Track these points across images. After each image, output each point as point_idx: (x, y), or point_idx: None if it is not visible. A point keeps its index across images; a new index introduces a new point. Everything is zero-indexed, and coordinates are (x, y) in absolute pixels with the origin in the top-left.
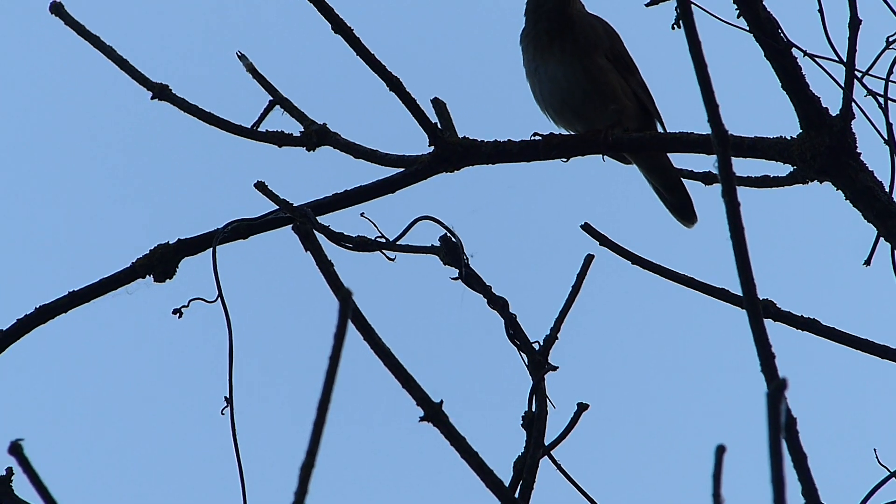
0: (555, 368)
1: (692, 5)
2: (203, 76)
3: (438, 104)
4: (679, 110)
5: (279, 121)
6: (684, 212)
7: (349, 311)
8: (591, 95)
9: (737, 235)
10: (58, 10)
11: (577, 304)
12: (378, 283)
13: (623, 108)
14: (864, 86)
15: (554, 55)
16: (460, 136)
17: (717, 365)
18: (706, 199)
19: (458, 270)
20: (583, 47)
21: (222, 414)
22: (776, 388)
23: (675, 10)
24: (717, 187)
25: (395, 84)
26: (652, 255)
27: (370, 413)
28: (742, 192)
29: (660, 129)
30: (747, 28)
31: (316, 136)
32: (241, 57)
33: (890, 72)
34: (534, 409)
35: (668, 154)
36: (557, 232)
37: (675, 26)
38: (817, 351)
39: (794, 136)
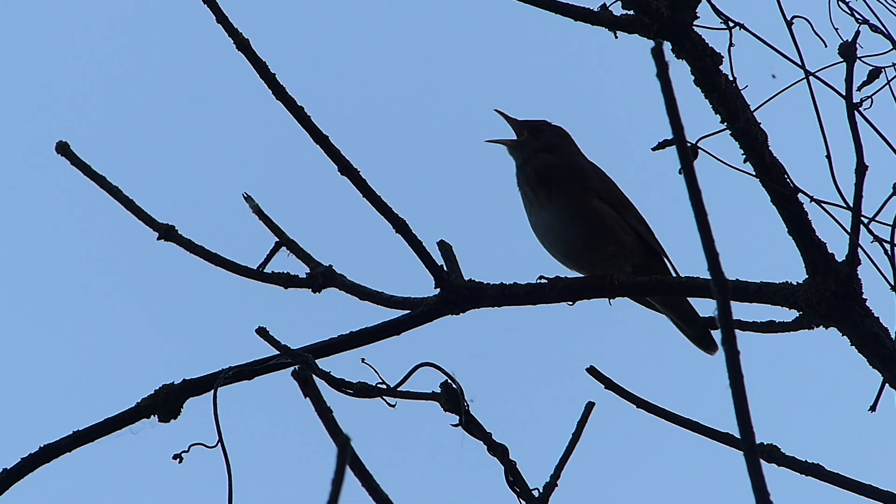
0: None
1: (698, 149)
2: (209, 217)
3: (444, 246)
4: (692, 250)
5: (285, 262)
6: (704, 341)
7: (347, 458)
8: (590, 238)
9: (736, 382)
10: (64, 150)
11: (578, 449)
12: (378, 429)
13: (623, 245)
14: (871, 231)
15: (544, 206)
16: (466, 278)
17: None
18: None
19: (458, 417)
20: (569, 191)
21: None
22: None
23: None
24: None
25: (401, 226)
26: (660, 393)
27: None
28: (748, 337)
29: (669, 265)
30: (753, 172)
31: (322, 277)
32: (248, 198)
33: None
34: None
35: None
36: (562, 375)
37: (681, 172)
38: (822, 496)
39: (800, 282)
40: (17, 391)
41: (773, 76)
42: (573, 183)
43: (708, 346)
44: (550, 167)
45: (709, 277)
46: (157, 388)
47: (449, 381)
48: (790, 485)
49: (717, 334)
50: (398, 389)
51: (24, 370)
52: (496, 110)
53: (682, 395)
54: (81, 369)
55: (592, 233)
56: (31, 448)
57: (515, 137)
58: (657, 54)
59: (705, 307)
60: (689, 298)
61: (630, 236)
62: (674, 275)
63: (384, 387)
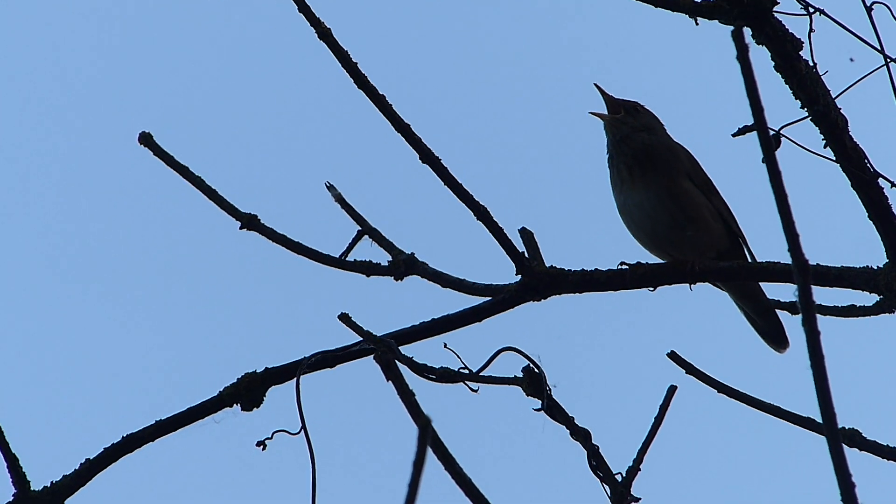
0: (637, 500)
1: (780, 136)
2: (291, 206)
3: (526, 233)
4: (771, 237)
5: (367, 250)
6: (776, 337)
7: (428, 439)
8: (678, 220)
9: (817, 364)
10: (147, 140)
11: (661, 434)
12: (461, 414)
13: (709, 231)
14: None
15: (637, 188)
16: (547, 264)
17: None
18: (797, 327)
19: (540, 402)
20: (664, 172)
21: None
22: None
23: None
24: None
25: (482, 214)
26: (742, 381)
27: None
28: (829, 322)
29: (745, 250)
30: (834, 158)
31: (403, 265)
32: (330, 187)
33: None
34: None
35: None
36: (643, 361)
37: (764, 158)
38: None
39: (881, 266)
40: (101, 381)
41: (852, 59)
42: (668, 164)
43: (778, 342)
44: (648, 146)
45: (789, 263)
46: (240, 376)
47: (531, 365)
48: (871, 469)
49: (797, 319)
50: (480, 374)
51: (109, 359)
52: (595, 84)
53: (762, 383)
54: (166, 359)
55: (681, 215)
56: (113, 438)
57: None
58: (737, 37)
59: (785, 294)
60: (765, 291)
61: (717, 222)
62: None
63: (466, 372)
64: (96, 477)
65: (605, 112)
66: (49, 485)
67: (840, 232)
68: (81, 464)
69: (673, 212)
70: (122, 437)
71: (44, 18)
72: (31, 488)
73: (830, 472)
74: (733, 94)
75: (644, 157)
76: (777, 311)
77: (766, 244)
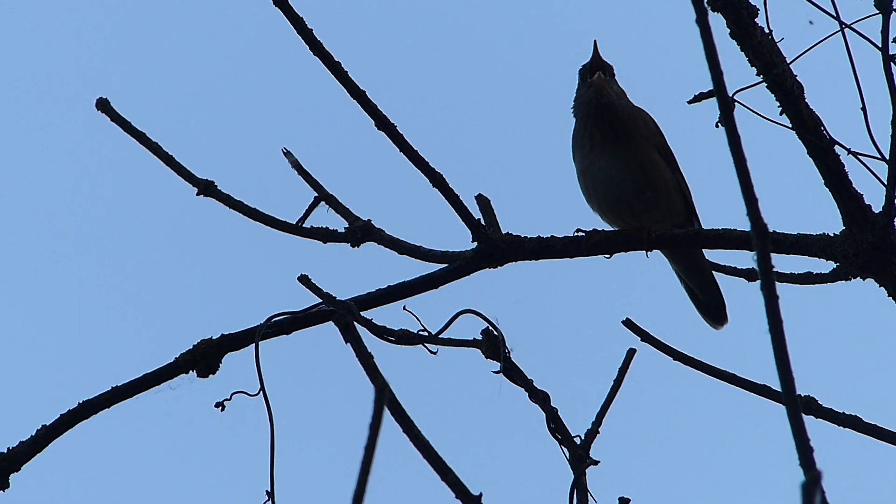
0: (596, 463)
1: (734, 102)
2: (248, 172)
3: (482, 200)
4: (719, 207)
5: (324, 217)
6: (715, 313)
7: (385, 401)
8: (643, 187)
9: (776, 329)
10: (104, 106)
11: (619, 398)
12: (420, 376)
13: (670, 201)
14: None
15: (607, 152)
16: (504, 231)
17: (758, 461)
18: (748, 296)
19: (499, 364)
20: (636, 143)
21: None
22: (812, 479)
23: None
24: (758, 284)
25: (438, 180)
26: (694, 350)
27: None
28: (785, 289)
29: (697, 224)
30: (790, 125)
31: (360, 232)
32: (287, 153)
33: None
34: None
35: (708, 252)
36: (599, 327)
37: (718, 125)
38: (859, 447)
39: (837, 233)
40: (56, 348)
41: (811, 22)
42: (642, 134)
43: (717, 319)
44: (627, 115)
45: (746, 230)
46: (196, 343)
47: (490, 327)
48: (827, 437)
49: (746, 288)
50: (439, 336)
51: (64, 327)
52: (595, 41)
53: (716, 351)
54: (121, 325)
55: (646, 184)
56: (70, 404)
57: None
58: (696, 1)
59: (739, 261)
60: (710, 267)
61: (677, 195)
62: None
63: (426, 334)
64: (53, 443)
65: (590, 69)
66: (5, 451)
67: (796, 199)
68: (38, 430)
69: (640, 181)
70: (79, 403)
71: None
72: None
73: (787, 438)
74: (687, 62)
75: (619, 125)
76: (733, 277)
77: (714, 213)
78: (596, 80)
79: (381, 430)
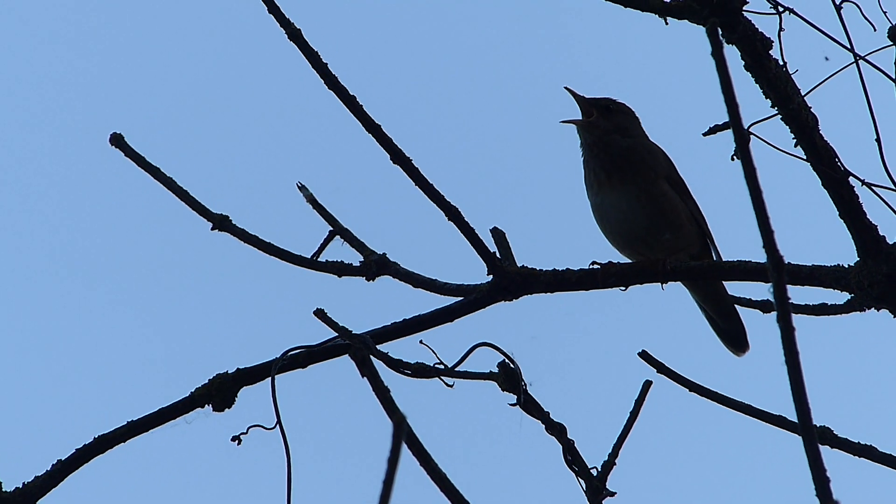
0: (613, 494)
1: (750, 134)
2: (263, 207)
3: (497, 233)
4: (735, 238)
5: (339, 251)
6: (736, 340)
7: (403, 435)
8: (655, 223)
9: (792, 360)
10: (118, 141)
11: (635, 430)
12: (436, 410)
13: (685, 234)
14: None
15: (615, 189)
16: (519, 264)
17: (774, 492)
18: (764, 327)
19: (516, 396)
20: (643, 175)
21: None
22: None
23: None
24: (774, 315)
25: (453, 214)
26: (708, 381)
27: None
28: (800, 320)
29: (713, 252)
30: (804, 157)
31: (375, 265)
32: (301, 188)
33: None
34: None
35: (725, 282)
36: (615, 359)
37: (734, 157)
38: (874, 478)
39: (852, 265)
40: (73, 382)
41: (826, 58)
42: (646, 166)
43: (738, 345)
44: (625, 149)
45: (760, 261)
46: (211, 377)
47: (506, 360)
48: (843, 466)
49: (763, 318)
50: (456, 370)
51: (82, 361)
52: (566, 88)
53: (730, 382)
54: (138, 360)
55: (659, 218)
56: (85, 439)
57: (581, 117)
58: (712, 33)
59: (753, 293)
60: (728, 294)
61: (691, 224)
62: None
63: (442, 367)
64: (68, 478)
65: (579, 114)
66: (21, 486)
67: (811, 231)
68: (53, 465)
69: (651, 214)
70: (94, 438)
71: (13, 17)
72: (3, 489)
73: (803, 468)
74: (701, 94)
75: (620, 160)
76: (748, 309)
77: (730, 244)
78: (578, 122)
79: (398, 464)
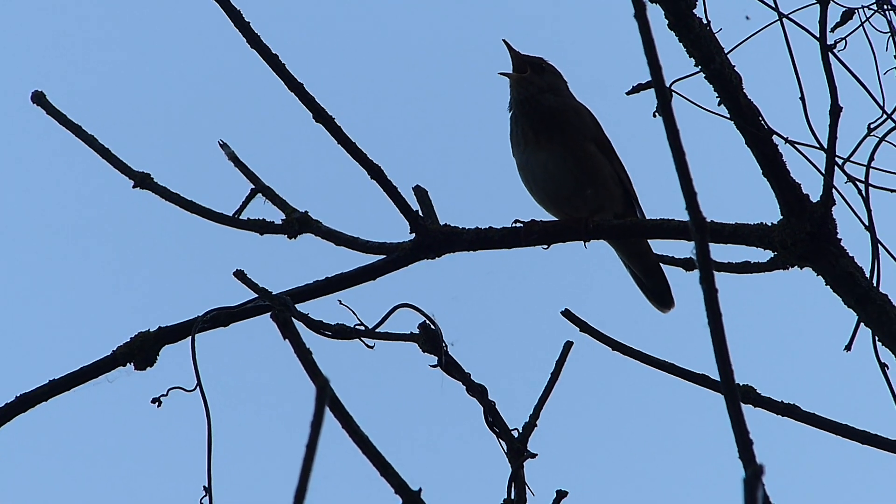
0: (534, 456)
1: (672, 92)
2: (185, 165)
3: (420, 191)
4: (660, 196)
5: (260, 209)
6: (661, 297)
7: (326, 399)
8: (581, 183)
9: (714, 321)
10: (39, 99)
11: (557, 390)
12: (357, 371)
13: (610, 194)
14: (845, 172)
15: (542, 147)
16: (441, 222)
17: (697, 451)
18: (688, 285)
19: (437, 358)
20: (570, 135)
21: (201, 503)
22: (753, 473)
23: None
24: (697, 273)
25: (376, 172)
26: (633, 340)
27: (347, 501)
28: (723, 278)
29: (638, 212)
30: (728, 115)
31: (297, 223)
32: (223, 145)
33: (871, 158)
34: (513, 497)
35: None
36: (537, 318)
37: (655, 114)
38: (797, 436)
39: (775, 223)
40: None
41: (748, 17)
42: (574, 127)
43: (663, 302)
44: (555, 108)
45: (683, 220)
46: (133, 336)
47: (427, 321)
48: (766, 425)
49: (688, 276)
50: (376, 331)
51: (2, 319)
52: (504, 40)
53: (653, 341)
54: (57, 318)
55: (584, 178)
56: (7, 398)
57: (513, 71)
58: None
59: (677, 251)
60: (653, 250)
61: (616, 185)
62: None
63: (362, 328)
64: None
65: (510, 69)
66: None
67: (734, 189)
68: None
69: (577, 175)
70: (16, 396)
71: None
72: None
73: (726, 428)
74: (625, 53)
75: (550, 120)
76: (670, 266)
77: (655, 202)
78: (512, 76)
79: (322, 428)
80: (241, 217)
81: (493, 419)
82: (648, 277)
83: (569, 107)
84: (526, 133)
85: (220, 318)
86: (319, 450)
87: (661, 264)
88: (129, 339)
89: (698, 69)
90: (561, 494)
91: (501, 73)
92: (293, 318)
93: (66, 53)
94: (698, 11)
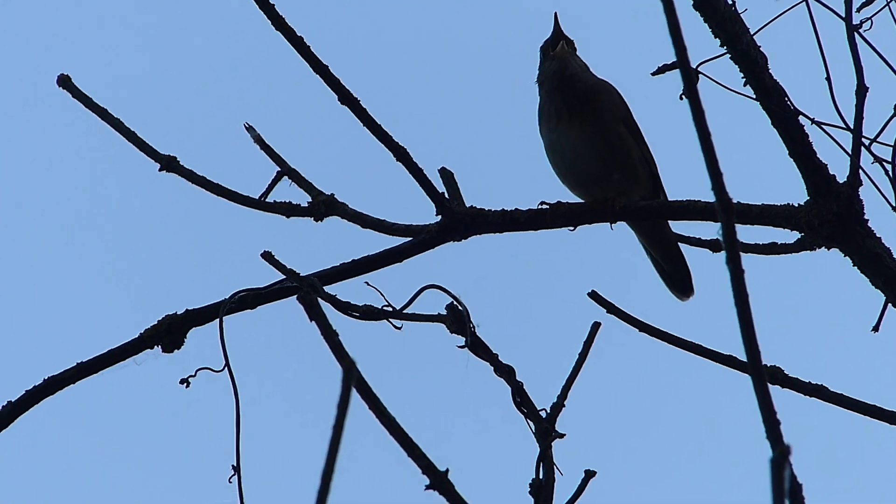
0: (562, 436)
1: (698, 74)
2: (211, 148)
3: (446, 174)
4: (684, 178)
5: (287, 191)
6: (681, 284)
7: (353, 381)
8: (611, 164)
9: (741, 302)
10: (65, 83)
11: (584, 371)
12: (384, 352)
13: (636, 176)
14: (872, 153)
15: (574, 127)
16: (468, 205)
17: (725, 431)
18: (713, 267)
19: (464, 339)
20: (603, 116)
21: (229, 482)
22: (780, 454)
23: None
24: (723, 255)
25: (401, 154)
26: (659, 321)
27: (375, 481)
28: (750, 259)
29: (663, 195)
30: (754, 96)
31: (324, 206)
32: (249, 128)
33: None
34: (541, 477)
35: (673, 222)
36: (564, 299)
37: (682, 96)
38: (825, 417)
39: (802, 204)
40: (21, 324)
41: None
42: (608, 108)
43: (683, 290)
44: (591, 87)
45: (710, 201)
46: (160, 318)
47: (454, 302)
48: (794, 406)
49: (713, 258)
50: (404, 312)
51: (29, 303)
52: (555, 14)
53: (679, 322)
54: (86, 302)
55: (613, 161)
56: (35, 381)
57: (554, 45)
58: None
59: (703, 232)
60: (675, 237)
61: (643, 168)
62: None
63: (390, 309)
64: (18, 419)
65: (553, 42)
66: None
67: (760, 170)
68: (3, 406)
69: (606, 157)
70: (44, 379)
71: None
72: None
73: (753, 409)
74: (651, 34)
75: (585, 99)
76: (697, 248)
77: (680, 184)
78: (559, 51)
79: (348, 409)
80: (267, 200)
81: (521, 399)
82: (669, 264)
83: (603, 87)
84: (560, 110)
85: (247, 299)
86: (346, 431)
87: (688, 246)
88: (156, 322)
89: (724, 50)
90: (589, 474)
91: (556, 52)
92: (320, 300)
93: (92, 37)
94: None
